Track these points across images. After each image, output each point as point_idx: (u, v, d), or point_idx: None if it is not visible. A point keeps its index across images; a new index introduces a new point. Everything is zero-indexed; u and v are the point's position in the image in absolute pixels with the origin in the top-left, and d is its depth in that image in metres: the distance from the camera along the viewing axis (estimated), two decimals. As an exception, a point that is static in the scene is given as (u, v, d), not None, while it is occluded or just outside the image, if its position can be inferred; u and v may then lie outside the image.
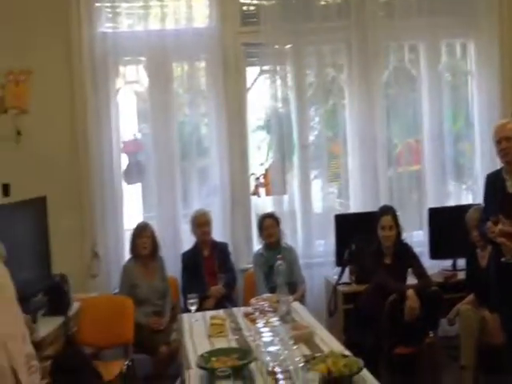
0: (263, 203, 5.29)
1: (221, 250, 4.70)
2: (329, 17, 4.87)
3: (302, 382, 1.97)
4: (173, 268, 4.66)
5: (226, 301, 4.46)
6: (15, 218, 3.92)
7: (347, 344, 2.98)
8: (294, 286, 4.28)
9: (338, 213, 4.96)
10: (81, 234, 4.71)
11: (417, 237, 4.94)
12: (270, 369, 2.26)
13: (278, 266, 3.35)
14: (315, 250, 4.98)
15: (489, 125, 4.54)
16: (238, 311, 3.55)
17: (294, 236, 4.93)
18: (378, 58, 4.94)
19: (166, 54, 4.77)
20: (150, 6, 4.79)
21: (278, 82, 4.94)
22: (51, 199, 4.40)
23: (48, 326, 3.78)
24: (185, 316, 3.58)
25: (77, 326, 4.10)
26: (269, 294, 3.58)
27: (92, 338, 4.06)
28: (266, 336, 2.45)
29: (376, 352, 3.72)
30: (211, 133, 4.94)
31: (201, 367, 2.51)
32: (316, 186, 5.06)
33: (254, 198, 5.20)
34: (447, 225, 4.68)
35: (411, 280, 4.17)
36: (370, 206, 4.75)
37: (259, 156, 5.50)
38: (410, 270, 4.20)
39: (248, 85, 5.04)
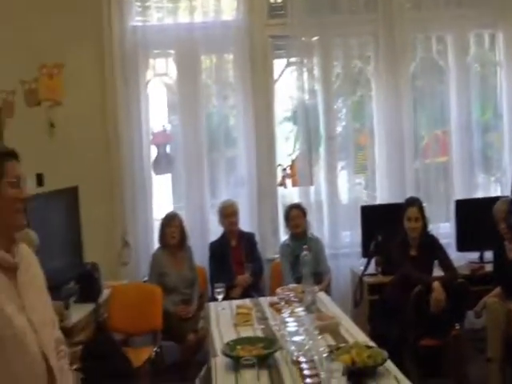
0: (290, 194, 5.31)
1: (248, 239, 4.76)
2: (356, 9, 4.86)
3: (327, 371, 1.99)
4: (201, 257, 4.73)
5: (252, 290, 4.48)
6: (48, 208, 4.02)
7: (372, 335, 3.01)
8: (319, 277, 4.30)
9: (364, 204, 4.97)
10: (111, 224, 4.81)
11: (443, 229, 4.92)
12: (294, 358, 2.31)
13: (303, 257, 3.38)
14: (341, 241, 4.99)
15: (518, 116, 4.49)
16: (264, 301, 3.58)
17: (320, 227, 4.95)
18: (406, 49, 4.91)
19: (195, 46, 4.82)
20: (179, -1, 4.84)
21: (305, 74, 4.95)
22: (83, 189, 4.52)
23: (79, 312, 3.89)
24: (212, 305, 3.62)
25: (107, 313, 4.19)
26: (294, 285, 3.62)
27: (122, 324, 4.14)
28: (291, 326, 2.49)
29: (401, 343, 3.73)
30: (239, 124, 4.98)
31: (226, 355, 2.55)
32: (343, 178, 5.06)
33: (280, 189, 5.22)
34: (474, 217, 4.63)
35: (437, 272, 4.16)
36: (397, 198, 4.74)
37: (286, 147, 5.52)
38: (436, 261, 4.19)
39: (275, 77, 5.07)
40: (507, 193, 4.73)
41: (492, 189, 5.20)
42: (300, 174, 5.13)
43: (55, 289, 3.65)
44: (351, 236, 4.96)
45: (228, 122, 5.13)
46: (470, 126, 5.00)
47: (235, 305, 3.46)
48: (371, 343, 2.64)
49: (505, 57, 5.07)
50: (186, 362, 4.18)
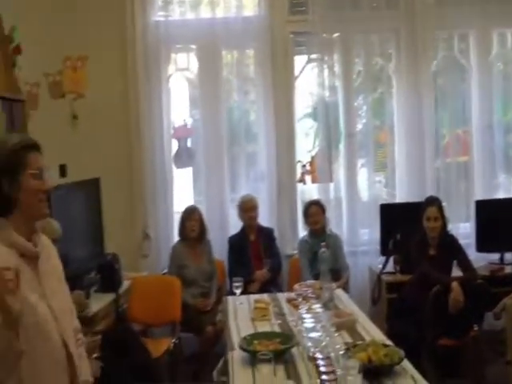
0: (309, 190, 5.32)
1: (267, 235, 4.78)
2: (377, 5, 4.84)
3: (343, 369, 2.00)
4: (220, 251, 4.77)
5: (270, 285, 4.54)
6: (71, 198, 4.08)
7: (389, 334, 3.00)
8: (337, 274, 4.30)
9: (383, 202, 4.96)
10: (132, 216, 4.87)
11: (463, 229, 4.89)
12: (311, 354, 2.33)
13: (321, 253, 3.39)
14: (360, 239, 5.00)
15: (541, 116, 4.44)
16: (282, 296, 3.59)
17: (339, 224, 4.96)
18: (427, 47, 4.88)
19: (216, 41, 4.85)
20: (201, -6, 4.87)
21: (326, 70, 4.94)
22: (105, 181, 4.57)
23: (100, 302, 3.95)
24: (230, 298, 3.64)
25: (127, 304, 4.25)
26: (312, 281, 3.63)
27: (141, 315, 4.21)
28: (309, 322, 2.51)
29: (419, 343, 3.72)
30: (259, 119, 5.00)
31: (243, 349, 2.57)
32: (362, 175, 5.06)
33: (299, 185, 5.23)
34: (495, 217, 4.62)
35: (456, 272, 4.13)
36: (416, 197, 4.72)
37: (306, 143, 5.52)
38: (455, 262, 4.17)
39: (296, 73, 5.07)
40: (529, 193, 4.70)
41: (514, 190, 5.15)
42: (319, 170, 5.14)
43: (77, 278, 3.73)
44: (370, 234, 4.95)
45: (248, 117, 5.16)
46: (491, 126, 4.95)
47: (253, 299, 3.49)
48: (388, 342, 2.64)
49: (528, 56, 5.01)
50: (204, 353, 4.23)
